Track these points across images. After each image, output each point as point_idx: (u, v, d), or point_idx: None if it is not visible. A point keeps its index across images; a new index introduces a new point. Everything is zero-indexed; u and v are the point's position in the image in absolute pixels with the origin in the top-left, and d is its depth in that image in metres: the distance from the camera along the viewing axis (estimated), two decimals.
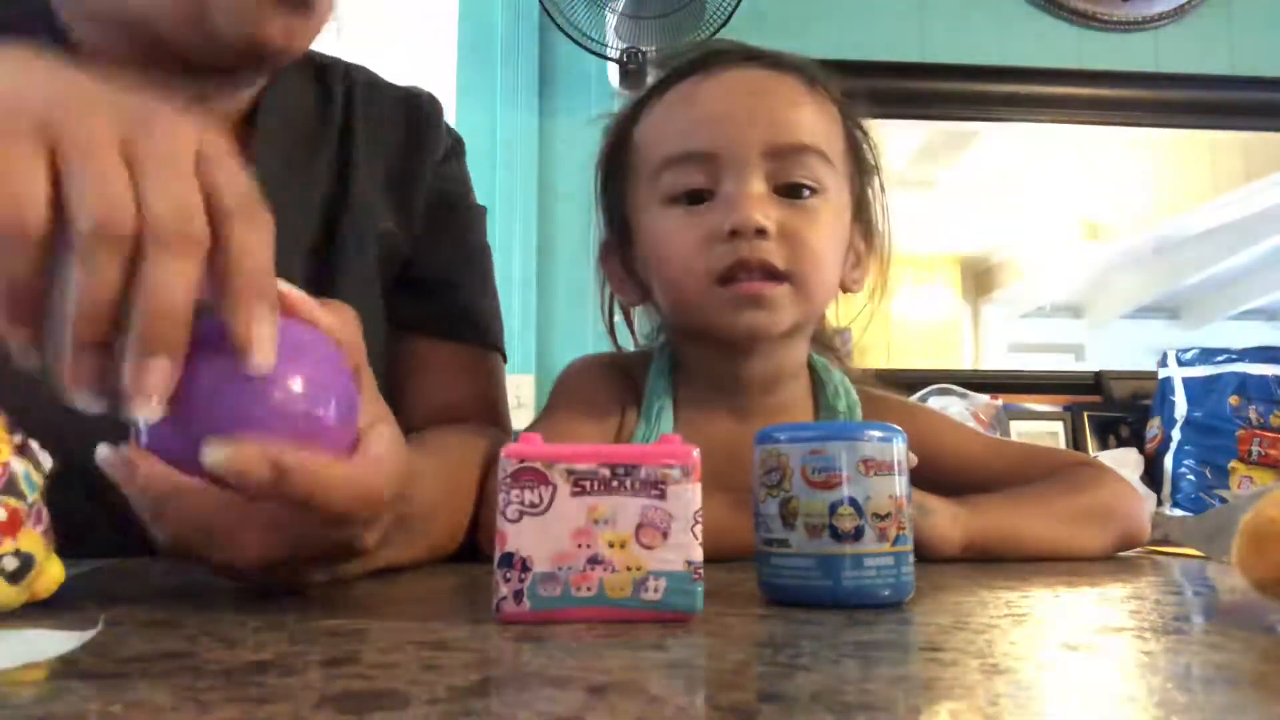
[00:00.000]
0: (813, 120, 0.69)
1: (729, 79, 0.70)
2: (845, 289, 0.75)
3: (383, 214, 0.75)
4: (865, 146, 0.76)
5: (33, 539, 0.35)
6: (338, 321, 0.40)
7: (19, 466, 0.35)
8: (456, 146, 0.84)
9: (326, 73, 0.77)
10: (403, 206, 0.76)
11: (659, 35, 1.78)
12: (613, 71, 1.86)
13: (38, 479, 0.36)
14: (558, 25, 1.78)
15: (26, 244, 0.31)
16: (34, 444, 0.36)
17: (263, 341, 0.34)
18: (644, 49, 1.78)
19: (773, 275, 0.66)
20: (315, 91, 0.76)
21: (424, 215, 0.78)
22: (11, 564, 0.34)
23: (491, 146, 1.92)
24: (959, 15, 2.04)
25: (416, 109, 0.81)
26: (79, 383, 0.33)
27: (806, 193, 0.68)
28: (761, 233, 0.65)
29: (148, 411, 0.33)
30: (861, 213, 0.76)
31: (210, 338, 0.35)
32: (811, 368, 0.76)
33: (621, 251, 0.76)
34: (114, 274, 0.32)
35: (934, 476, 0.62)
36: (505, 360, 0.83)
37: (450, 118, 2.11)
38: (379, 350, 0.74)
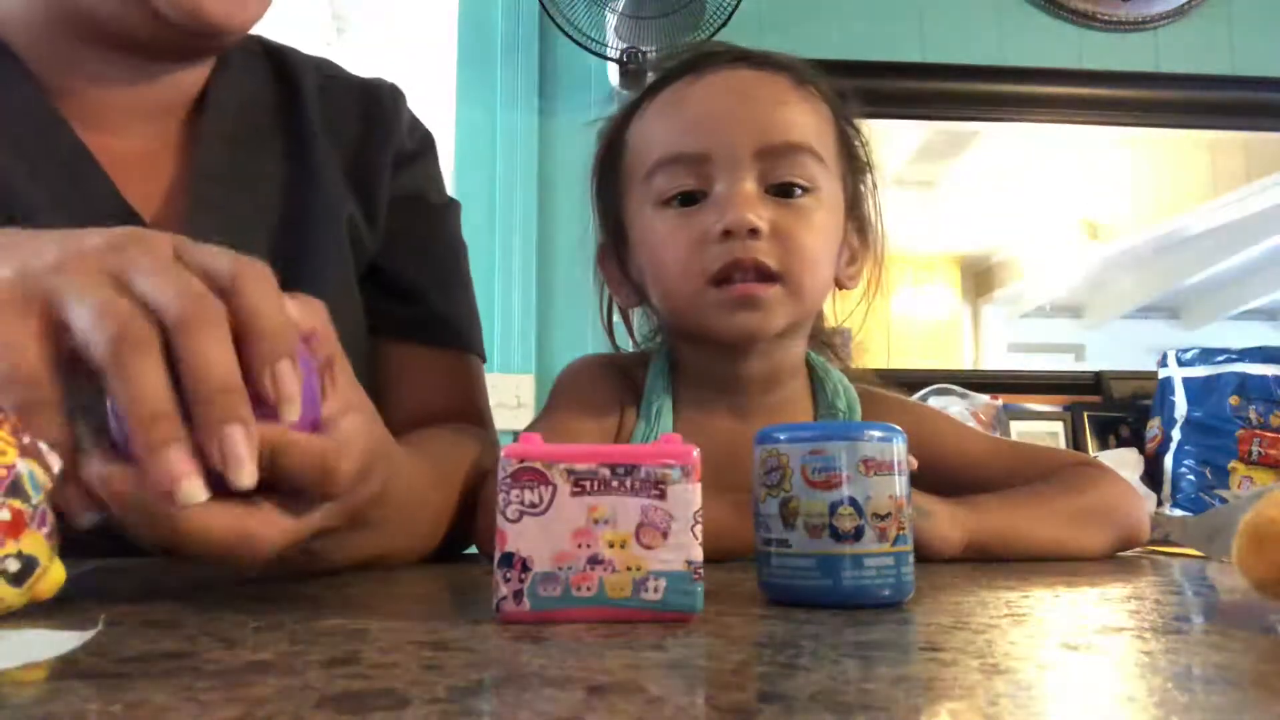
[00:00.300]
0: (803, 119, 0.69)
1: (719, 80, 0.70)
2: (840, 286, 0.75)
3: (346, 200, 0.74)
4: (857, 143, 0.76)
5: (36, 541, 0.34)
6: (305, 313, 0.41)
7: (24, 468, 0.35)
8: (425, 142, 0.82)
9: (284, 63, 0.76)
10: (363, 196, 0.75)
11: (659, 35, 1.77)
12: (613, 71, 1.86)
13: (44, 480, 0.36)
14: (558, 25, 1.78)
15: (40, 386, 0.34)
16: (42, 445, 0.36)
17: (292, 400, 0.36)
18: (644, 49, 1.78)
19: (766, 276, 0.66)
20: (271, 81, 0.75)
21: (393, 217, 0.77)
22: (13, 566, 0.33)
23: (491, 146, 1.92)
24: (959, 15, 2.04)
25: (376, 100, 0.79)
26: (181, 475, 0.33)
27: (799, 192, 0.68)
28: (754, 233, 0.65)
29: (246, 478, 0.34)
30: (855, 209, 0.76)
31: None
32: (810, 366, 0.76)
33: (617, 254, 0.77)
34: (152, 370, 0.33)
35: (934, 476, 0.62)
36: (484, 360, 0.82)
37: (450, 118, 2.07)
38: (359, 331, 0.73)
